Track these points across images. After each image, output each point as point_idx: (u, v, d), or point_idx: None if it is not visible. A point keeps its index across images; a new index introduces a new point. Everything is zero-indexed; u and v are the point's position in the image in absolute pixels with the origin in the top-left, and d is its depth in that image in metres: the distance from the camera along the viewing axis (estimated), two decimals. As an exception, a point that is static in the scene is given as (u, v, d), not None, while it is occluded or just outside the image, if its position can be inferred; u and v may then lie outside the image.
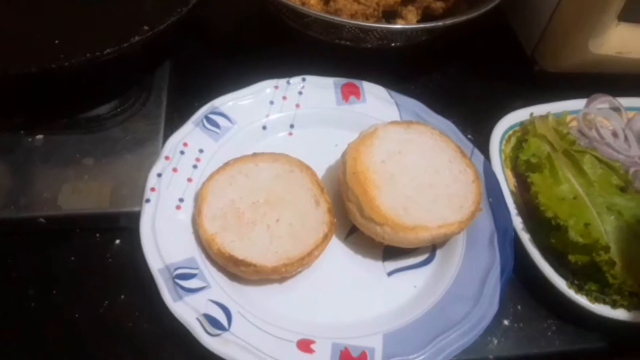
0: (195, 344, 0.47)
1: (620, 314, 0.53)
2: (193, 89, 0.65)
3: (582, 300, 0.53)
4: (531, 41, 0.72)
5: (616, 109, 0.68)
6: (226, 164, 0.56)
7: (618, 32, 0.67)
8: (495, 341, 0.53)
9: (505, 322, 0.54)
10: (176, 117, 0.62)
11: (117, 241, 0.55)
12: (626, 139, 0.66)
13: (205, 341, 0.46)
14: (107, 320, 0.50)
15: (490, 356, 0.52)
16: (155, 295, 0.48)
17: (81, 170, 0.55)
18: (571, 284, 0.54)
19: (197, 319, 0.47)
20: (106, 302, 0.51)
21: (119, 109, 0.60)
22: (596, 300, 0.53)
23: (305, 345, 0.48)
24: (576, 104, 0.68)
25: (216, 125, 0.60)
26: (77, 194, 0.54)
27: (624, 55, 0.69)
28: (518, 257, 0.54)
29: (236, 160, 0.56)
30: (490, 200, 0.58)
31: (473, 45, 0.75)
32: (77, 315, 0.50)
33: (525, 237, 0.56)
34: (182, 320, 0.47)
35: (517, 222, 0.57)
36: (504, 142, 0.63)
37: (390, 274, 0.55)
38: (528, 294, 0.56)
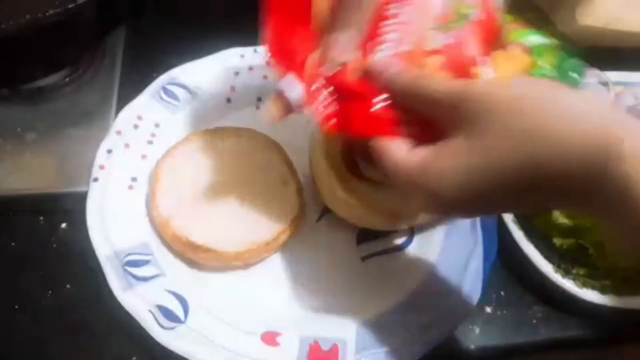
0: (148, 338, 0.42)
1: (609, 300, 0.50)
2: (151, 58, 0.59)
3: (569, 285, 0.50)
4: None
5: (604, 84, 0.64)
6: (185, 139, 0.51)
7: (606, 3, 0.64)
8: (477, 330, 0.50)
9: (488, 309, 0.51)
10: (131, 89, 0.56)
11: (63, 225, 0.50)
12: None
13: (157, 335, 0.42)
14: (50, 313, 0.46)
15: (472, 346, 0.49)
16: (104, 284, 0.44)
17: (23, 145, 0.51)
18: (558, 268, 0.51)
19: (150, 310, 0.43)
20: (50, 292, 0.47)
21: (66, 79, 0.55)
22: (584, 285, 0.50)
23: (270, 338, 0.44)
24: (563, 78, 0.65)
25: (175, 97, 0.54)
26: (17, 172, 0.50)
27: (612, 27, 0.66)
28: (502, 240, 0.51)
29: (196, 135, 0.52)
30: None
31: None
32: (16, 307, 0.46)
33: (508, 219, 0.53)
34: (132, 312, 0.43)
35: (501, 202, 0.54)
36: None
37: (364, 258, 0.51)
38: (512, 279, 0.53)
